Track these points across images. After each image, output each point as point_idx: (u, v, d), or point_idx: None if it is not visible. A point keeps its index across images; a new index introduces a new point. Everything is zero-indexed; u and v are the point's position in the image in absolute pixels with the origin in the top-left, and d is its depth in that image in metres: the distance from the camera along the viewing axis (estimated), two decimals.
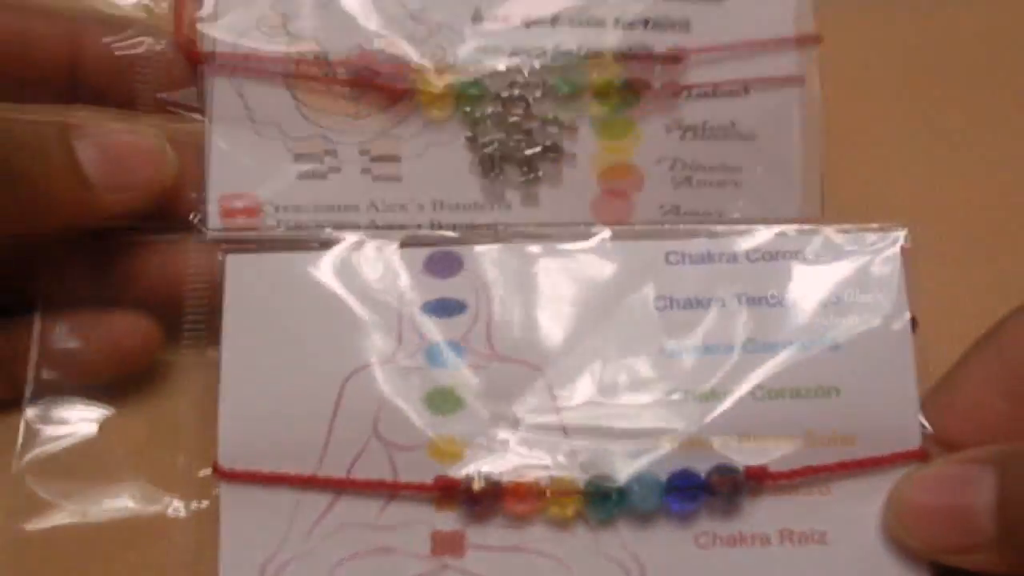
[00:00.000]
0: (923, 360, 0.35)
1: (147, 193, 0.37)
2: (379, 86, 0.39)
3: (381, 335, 0.36)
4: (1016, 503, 0.32)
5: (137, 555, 0.37)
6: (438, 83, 0.39)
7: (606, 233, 0.37)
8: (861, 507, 0.35)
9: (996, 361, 0.34)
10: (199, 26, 0.39)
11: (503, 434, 0.35)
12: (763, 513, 0.35)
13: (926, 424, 0.35)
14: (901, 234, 0.36)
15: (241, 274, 0.36)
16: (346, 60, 0.39)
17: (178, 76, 0.39)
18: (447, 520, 0.35)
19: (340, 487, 0.35)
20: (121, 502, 0.37)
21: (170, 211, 0.38)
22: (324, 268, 0.36)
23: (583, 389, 0.35)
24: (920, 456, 0.35)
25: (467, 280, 0.36)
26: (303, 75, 0.39)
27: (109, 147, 0.36)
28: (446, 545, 0.35)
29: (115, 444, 0.38)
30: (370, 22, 0.39)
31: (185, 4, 0.39)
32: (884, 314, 0.36)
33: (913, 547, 0.34)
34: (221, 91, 0.39)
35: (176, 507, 0.36)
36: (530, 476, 0.35)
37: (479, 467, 0.35)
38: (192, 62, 0.38)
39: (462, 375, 0.36)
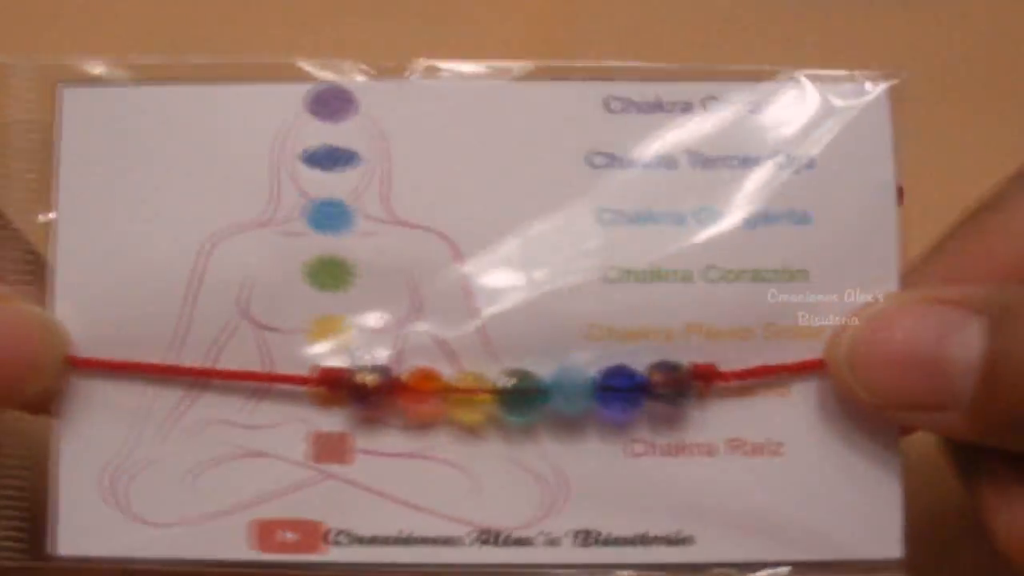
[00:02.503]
0: (908, 240, 0.29)
1: None
2: None
3: (250, 190, 0.29)
4: (1007, 368, 0.26)
5: None
6: None
7: (529, 66, 0.30)
8: (825, 413, 0.29)
9: (1000, 233, 0.28)
10: None
11: (401, 317, 0.29)
12: (711, 419, 0.29)
13: None
14: (889, 84, 0.29)
15: (79, 112, 0.29)
16: None
17: None
18: (331, 420, 0.29)
19: (201, 378, 0.29)
20: None
21: None
22: (181, 104, 0.29)
23: (499, 263, 0.29)
24: None
25: (361, 125, 0.29)
26: None
27: None
28: (328, 449, 0.29)
29: None
30: None
31: None
32: (864, 181, 0.29)
33: (862, 399, 0.27)
34: None
35: None
36: (433, 369, 0.29)
37: (371, 357, 0.29)
38: None
39: (352, 243, 0.29)
